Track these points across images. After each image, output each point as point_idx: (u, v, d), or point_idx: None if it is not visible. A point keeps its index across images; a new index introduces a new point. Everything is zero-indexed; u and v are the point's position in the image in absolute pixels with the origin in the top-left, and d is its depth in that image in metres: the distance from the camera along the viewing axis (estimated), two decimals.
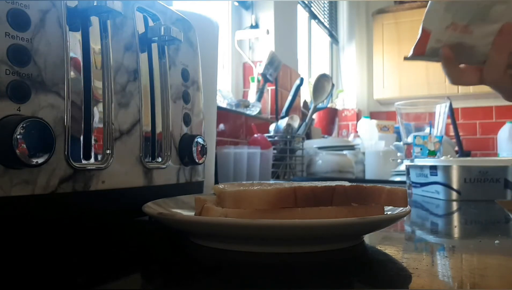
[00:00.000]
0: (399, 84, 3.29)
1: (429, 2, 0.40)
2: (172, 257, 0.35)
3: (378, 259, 0.35)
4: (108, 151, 0.41)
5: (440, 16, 0.39)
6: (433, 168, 0.87)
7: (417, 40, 0.41)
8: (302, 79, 1.75)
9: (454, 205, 0.78)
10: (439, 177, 0.85)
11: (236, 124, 1.52)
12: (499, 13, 0.37)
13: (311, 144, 1.79)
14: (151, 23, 0.50)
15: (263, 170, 1.21)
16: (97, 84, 0.41)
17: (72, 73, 0.38)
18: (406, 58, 0.43)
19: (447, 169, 0.83)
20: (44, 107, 0.35)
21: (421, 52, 0.41)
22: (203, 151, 0.54)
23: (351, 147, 1.88)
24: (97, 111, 0.41)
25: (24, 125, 0.31)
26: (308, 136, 2.01)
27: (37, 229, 0.36)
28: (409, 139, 1.02)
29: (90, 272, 0.30)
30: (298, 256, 0.34)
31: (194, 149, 0.52)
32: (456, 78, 0.40)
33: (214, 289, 0.27)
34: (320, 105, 1.64)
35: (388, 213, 0.40)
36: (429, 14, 0.40)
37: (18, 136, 0.31)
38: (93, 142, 0.40)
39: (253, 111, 1.64)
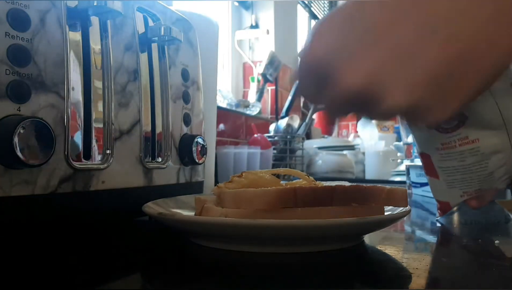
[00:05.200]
0: None
1: (428, 180, 0.41)
2: (172, 257, 0.35)
3: (378, 259, 0.35)
4: (108, 151, 0.41)
5: (448, 191, 0.39)
6: None
7: (438, 206, 0.41)
8: None
9: None
10: None
11: (236, 124, 1.52)
12: (501, 174, 0.38)
13: (311, 144, 1.79)
14: (151, 23, 0.50)
15: None
16: (97, 84, 0.41)
17: (72, 73, 0.38)
18: (437, 220, 0.44)
19: None
20: (44, 107, 0.35)
21: (448, 210, 0.42)
22: (203, 151, 0.54)
23: (351, 147, 1.88)
24: (97, 111, 0.41)
25: (24, 125, 0.31)
26: (308, 136, 2.01)
27: (37, 229, 0.36)
28: (409, 139, 1.02)
29: (90, 272, 0.30)
30: (298, 256, 0.34)
31: (194, 149, 0.52)
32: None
33: (214, 289, 0.27)
34: (320, 105, 1.64)
35: (388, 213, 0.40)
36: (436, 191, 0.41)
37: (18, 136, 0.31)
38: (93, 142, 0.40)
39: (253, 111, 1.64)
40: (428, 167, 0.39)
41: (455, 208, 0.42)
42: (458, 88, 0.24)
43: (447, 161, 0.38)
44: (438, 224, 0.52)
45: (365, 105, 0.28)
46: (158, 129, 0.49)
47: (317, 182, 0.42)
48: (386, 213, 0.39)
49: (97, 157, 0.41)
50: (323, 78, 0.28)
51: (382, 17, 0.25)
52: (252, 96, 1.75)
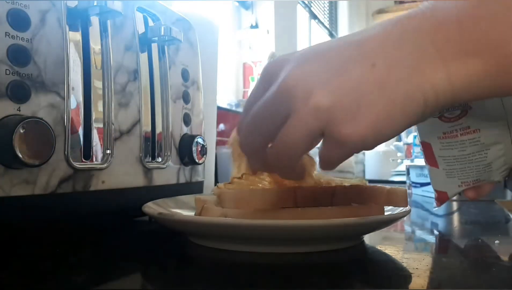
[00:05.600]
0: None
1: (428, 169, 0.41)
2: (172, 257, 0.35)
3: (378, 259, 0.35)
4: (108, 151, 0.41)
5: (446, 181, 0.40)
6: None
7: (436, 196, 0.42)
8: None
9: (454, 205, 0.78)
10: None
11: (236, 124, 1.52)
12: (500, 164, 0.38)
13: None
14: (151, 23, 0.50)
15: None
16: (97, 84, 0.41)
17: (72, 73, 0.38)
18: (436, 207, 0.44)
19: None
20: (44, 107, 0.35)
21: (445, 201, 0.42)
22: (203, 151, 0.54)
23: None
24: (97, 111, 0.41)
25: (24, 125, 0.31)
26: None
27: (37, 229, 0.36)
28: (409, 139, 1.02)
29: (90, 272, 0.30)
30: (298, 256, 0.34)
31: (194, 149, 0.52)
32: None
33: (214, 289, 0.27)
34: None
35: (388, 213, 0.40)
36: (435, 180, 0.41)
37: (18, 136, 0.31)
38: (93, 142, 0.40)
39: None
40: (428, 156, 0.40)
41: (455, 197, 0.42)
42: (369, 110, 0.25)
43: (448, 150, 0.38)
44: (438, 223, 0.52)
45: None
46: (158, 129, 0.49)
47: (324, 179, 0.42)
48: (386, 213, 0.39)
49: (97, 157, 0.41)
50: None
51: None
52: None
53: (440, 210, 0.73)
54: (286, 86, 0.26)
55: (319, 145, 0.29)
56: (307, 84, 0.26)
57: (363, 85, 0.25)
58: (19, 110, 0.33)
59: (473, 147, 0.37)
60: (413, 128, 1.00)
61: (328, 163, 0.28)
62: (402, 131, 0.26)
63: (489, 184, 0.40)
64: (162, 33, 0.48)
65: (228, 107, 1.53)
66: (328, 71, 0.26)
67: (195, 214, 0.40)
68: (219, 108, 1.00)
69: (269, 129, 0.28)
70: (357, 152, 0.27)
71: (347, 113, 0.25)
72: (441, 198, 0.41)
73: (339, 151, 0.27)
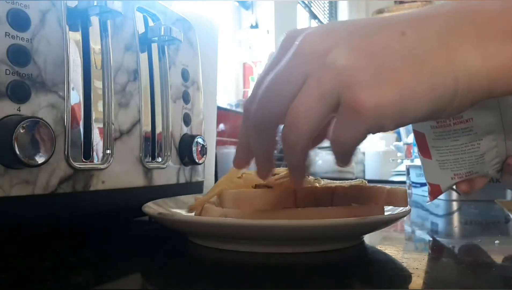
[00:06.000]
0: None
1: (421, 161, 0.41)
2: (172, 257, 0.35)
3: (378, 259, 0.35)
4: (108, 151, 0.41)
5: (439, 173, 0.39)
6: None
7: (429, 189, 0.41)
8: None
9: (454, 205, 0.78)
10: None
11: (236, 124, 1.52)
12: (493, 156, 0.38)
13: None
14: (151, 23, 0.50)
15: None
16: (97, 84, 0.41)
17: (72, 73, 0.38)
18: (429, 202, 0.44)
19: None
20: (44, 107, 0.35)
21: (439, 195, 0.42)
22: (203, 151, 0.54)
23: None
24: (97, 111, 0.41)
25: (24, 125, 0.31)
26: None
27: (37, 229, 0.36)
28: (409, 139, 1.02)
29: (90, 272, 0.30)
30: (298, 256, 0.34)
31: (194, 149, 0.52)
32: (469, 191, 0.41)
33: (214, 289, 0.27)
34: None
35: (388, 213, 0.40)
36: (428, 173, 0.40)
37: (18, 136, 0.31)
38: (93, 142, 0.40)
39: None
40: (422, 147, 0.40)
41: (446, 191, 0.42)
42: (392, 78, 0.22)
43: (441, 140, 0.38)
44: (438, 223, 0.52)
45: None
46: (158, 129, 0.49)
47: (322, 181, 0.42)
48: (386, 213, 0.39)
49: (97, 157, 0.41)
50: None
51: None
52: None
53: (440, 210, 0.73)
54: (303, 47, 0.24)
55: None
56: (326, 43, 0.23)
57: (388, 51, 0.22)
58: (19, 110, 0.33)
59: (466, 137, 0.37)
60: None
61: (341, 143, 0.25)
62: (426, 115, 0.23)
63: (483, 178, 0.40)
64: (162, 33, 0.48)
65: (228, 107, 1.53)
66: (352, 34, 0.23)
67: (195, 214, 0.40)
68: (219, 108, 1.00)
69: (285, 98, 0.24)
70: (374, 130, 0.24)
71: (367, 77, 0.22)
72: (434, 191, 0.41)
73: (353, 126, 0.23)
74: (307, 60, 0.23)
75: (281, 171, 0.41)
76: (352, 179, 0.42)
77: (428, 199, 0.42)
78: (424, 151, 0.40)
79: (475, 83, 0.22)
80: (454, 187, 0.40)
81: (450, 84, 0.22)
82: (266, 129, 0.27)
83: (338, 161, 0.26)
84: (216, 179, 0.87)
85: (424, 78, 0.22)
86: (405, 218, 0.47)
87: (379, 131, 0.24)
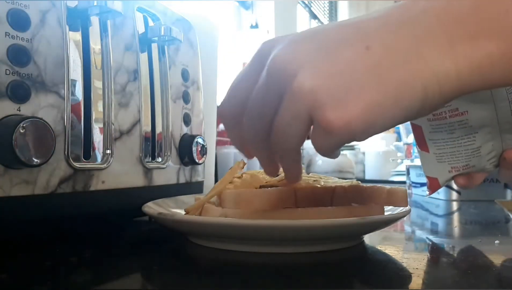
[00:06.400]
0: None
1: (419, 154, 0.41)
2: (172, 257, 0.35)
3: (378, 259, 0.35)
4: (108, 151, 0.41)
5: (437, 166, 0.40)
6: None
7: (427, 183, 0.42)
8: None
9: (454, 205, 0.78)
10: None
11: None
12: (489, 149, 0.38)
13: (311, 144, 1.79)
14: (151, 23, 0.50)
15: None
16: (97, 84, 0.41)
17: (72, 73, 0.38)
18: (428, 195, 0.44)
19: None
20: (44, 107, 0.35)
21: (437, 188, 0.42)
22: (203, 151, 0.54)
23: (351, 147, 1.88)
24: (97, 111, 0.41)
25: (24, 125, 0.31)
26: (308, 136, 2.01)
27: (37, 229, 0.36)
28: (409, 139, 1.02)
29: (90, 272, 0.30)
30: (298, 256, 0.34)
31: (194, 149, 0.52)
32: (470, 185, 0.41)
33: (214, 289, 0.27)
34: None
35: (388, 213, 0.40)
36: (426, 166, 0.41)
37: (18, 136, 0.31)
38: (93, 142, 0.40)
39: None
40: (419, 140, 0.40)
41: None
42: (358, 96, 0.22)
43: (437, 133, 0.38)
44: (438, 223, 0.52)
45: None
46: (158, 129, 0.49)
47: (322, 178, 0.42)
48: (386, 213, 0.39)
49: (97, 157, 0.41)
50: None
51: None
52: None
53: (440, 210, 0.73)
54: (274, 67, 0.24)
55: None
56: (293, 64, 0.24)
57: (353, 69, 0.23)
58: (19, 110, 0.33)
59: (461, 130, 0.37)
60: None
61: (320, 150, 0.26)
62: (398, 123, 0.24)
63: (481, 174, 0.40)
64: (162, 33, 0.48)
65: None
66: (318, 51, 0.24)
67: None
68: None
69: (266, 118, 0.26)
70: (347, 142, 0.25)
71: (333, 97, 0.23)
72: (433, 185, 0.41)
73: (326, 139, 0.24)
74: (278, 82, 0.24)
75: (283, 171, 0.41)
76: (349, 179, 0.42)
77: (426, 192, 0.43)
78: (421, 144, 0.40)
79: (445, 86, 0.22)
80: (452, 181, 0.41)
81: (418, 94, 0.22)
82: (260, 142, 0.28)
83: (322, 155, 0.28)
84: (216, 179, 0.87)
85: (390, 92, 0.22)
86: (405, 218, 0.47)
87: (353, 141, 0.25)
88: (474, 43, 0.22)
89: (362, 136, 0.24)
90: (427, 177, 0.41)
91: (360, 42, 0.23)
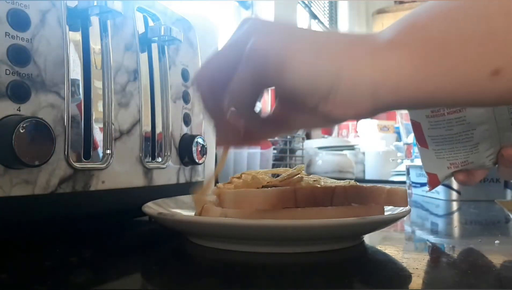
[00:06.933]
0: None
1: (419, 151, 0.42)
2: (172, 257, 0.35)
3: (378, 259, 0.35)
4: (108, 151, 0.41)
5: (436, 162, 0.41)
6: None
7: (427, 179, 0.42)
8: None
9: (454, 205, 0.78)
10: None
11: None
12: (487, 146, 0.39)
13: (311, 144, 1.79)
14: (151, 23, 0.50)
15: None
16: (97, 84, 0.41)
17: (72, 73, 0.38)
18: (428, 191, 0.45)
19: None
20: (44, 107, 0.35)
21: (437, 184, 0.43)
22: (203, 151, 0.54)
23: (351, 147, 1.88)
24: (97, 111, 0.41)
25: (24, 125, 0.31)
26: (308, 136, 2.01)
27: (37, 229, 0.36)
28: (409, 139, 1.02)
29: (90, 272, 0.30)
30: (298, 256, 0.34)
31: (194, 149, 0.52)
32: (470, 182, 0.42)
33: (214, 289, 0.27)
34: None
35: (388, 213, 0.40)
36: (425, 162, 0.42)
37: (18, 136, 0.31)
38: (93, 142, 0.40)
39: None
40: (419, 136, 0.41)
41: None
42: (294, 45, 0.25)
43: (436, 130, 0.39)
44: (438, 223, 0.52)
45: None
46: (158, 129, 0.49)
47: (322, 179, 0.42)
48: (386, 213, 0.39)
49: (97, 157, 0.41)
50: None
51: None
52: None
53: (440, 210, 0.73)
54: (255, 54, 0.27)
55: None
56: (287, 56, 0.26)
57: (298, 36, 0.26)
58: (19, 110, 0.33)
59: (459, 127, 0.38)
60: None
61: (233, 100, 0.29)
62: (302, 85, 0.25)
63: (481, 171, 0.40)
64: (162, 33, 0.48)
65: None
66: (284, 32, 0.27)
67: (195, 214, 0.40)
68: None
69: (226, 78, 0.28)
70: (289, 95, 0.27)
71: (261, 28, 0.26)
72: (433, 181, 0.42)
73: (241, 71, 0.27)
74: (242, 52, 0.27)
75: (283, 171, 0.41)
76: (351, 179, 0.42)
77: (427, 188, 0.43)
78: (421, 140, 0.41)
79: (359, 89, 0.24)
80: (453, 180, 0.41)
81: (330, 77, 0.24)
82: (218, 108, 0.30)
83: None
84: (216, 179, 0.87)
85: (320, 62, 0.25)
86: (405, 218, 0.47)
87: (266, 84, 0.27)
88: (390, 53, 0.24)
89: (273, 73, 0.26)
90: (427, 173, 0.42)
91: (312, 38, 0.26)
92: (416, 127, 0.40)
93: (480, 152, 0.38)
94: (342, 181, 0.42)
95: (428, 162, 0.41)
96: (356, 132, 2.59)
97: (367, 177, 1.68)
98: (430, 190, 0.43)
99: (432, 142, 0.40)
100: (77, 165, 0.38)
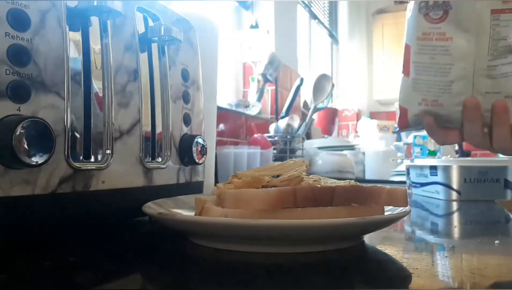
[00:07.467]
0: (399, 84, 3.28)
1: (401, 81, 0.44)
2: (172, 257, 0.35)
3: (378, 259, 0.35)
4: (108, 151, 0.41)
5: (410, 94, 0.43)
6: (433, 168, 0.87)
7: (398, 116, 0.44)
8: (302, 79, 1.75)
9: (454, 205, 0.78)
10: (439, 177, 0.85)
11: (236, 124, 1.52)
12: (459, 89, 0.41)
13: (311, 144, 1.79)
14: (151, 23, 0.50)
15: None
16: (97, 84, 0.41)
17: (72, 73, 0.38)
18: (395, 132, 0.48)
19: (447, 169, 0.83)
20: (44, 107, 0.35)
21: (405, 126, 0.46)
22: (203, 151, 0.54)
23: (351, 147, 1.88)
24: (97, 111, 0.41)
25: (24, 125, 0.31)
26: (308, 136, 2.01)
27: (37, 229, 0.36)
28: (409, 139, 1.02)
29: (90, 272, 0.30)
30: (298, 256, 0.34)
31: (194, 149, 0.52)
32: (440, 141, 0.44)
33: (214, 289, 0.27)
34: (320, 105, 1.64)
35: (388, 213, 0.40)
36: (402, 94, 0.44)
37: (18, 136, 0.31)
38: (93, 142, 0.40)
39: (253, 111, 1.64)
40: (406, 62, 0.43)
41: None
42: None
43: (421, 55, 0.41)
44: (438, 223, 0.52)
45: None
46: (158, 129, 0.49)
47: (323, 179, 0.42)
48: (386, 213, 0.39)
49: (97, 157, 0.41)
50: None
51: None
52: (252, 96, 1.75)
53: (440, 210, 0.73)
54: None
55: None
56: None
57: None
58: (19, 110, 0.33)
59: (441, 57, 0.40)
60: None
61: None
62: None
63: (452, 134, 0.42)
64: (162, 33, 0.48)
65: (228, 107, 1.53)
66: None
67: (195, 214, 0.40)
68: (219, 108, 1.00)
69: None
70: None
71: None
72: (403, 118, 0.44)
73: None
74: None
75: (284, 170, 0.41)
76: (351, 179, 0.42)
77: (396, 126, 0.45)
78: (406, 67, 0.43)
79: None
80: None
81: None
82: None
83: None
84: (216, 179, 0.87)
85: None
86: (405, 218, 0.47)
87: None
88: None
89: None
90: (400, 107, 0.44)
91: None
92: (407, 51, 0.42)
93: (452, 93, 0.40)
94: (342, 181, 0.42)
95: (404, 95, 0.43)
96: (356, 132, 2.59)
97: (367, 177, 1.68)
98: (398, 130, 0.45)
99: (414, 70, 0.42)
100: (77, 165, 0.38)
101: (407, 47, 0.42)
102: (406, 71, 0.43)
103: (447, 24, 0.40)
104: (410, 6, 0.43)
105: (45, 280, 0.28)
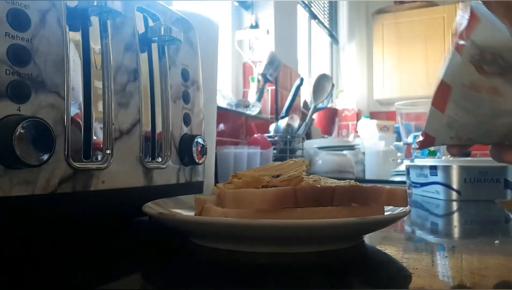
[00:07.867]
0: (399, 84, 3.29)
1: (430, 111, 0.40)
2: (172, 257, 0.35)
3: (378, 259, 0.35)
4: (108, 151, 0.41)
5: (443, 129, 0.39)
6: (433, 168, 0.87)
7: (421, 139, 0.41)
8: (302, 79, 1.75)
9: (454, 205, 0.78)
10: (439, 177, 0.85)
11: (236, 124, 1.52)
12: (500, 134, 0.38)
13: (311, 144, 1.79)
14: (151, 23, 0.50)
15: None
16: (97, 84, 0.41)
17: (72, 73, 0.38)
18: (414, 148, 0.45)
19: (447, 169, 0.83)
20: (44, 107, 0.35)
21: (428, 147, 0.42)
22: (203, 151, 0.54)
23: (351, 147, 1.88)
24: (97, 111, 0.41)
25: (24, 125, 0.31)
26: (308, 136, 2.01)
27: (37, 229, 0.36)
28: (409, 139, 1.02)
29: (90, 272, 0.30)
30: (298, 256, 0.34)
31: (194, 149, 0.52)
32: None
33: (214, 289, 0.27)
34: (320, 105, 1.64)
35: (388, 213, 0.40)
36: (431, 124, 0.40)
37: (18, 136, 0.31)
38: (93, 142, 0.40)
39: (253, 111, 1.64)
40: (440, 98, 0.39)
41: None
42: None
43: (465, 101, 0.37)
44: (438, 223, 0.52)
45: None
46: (158, 129, 0.49)
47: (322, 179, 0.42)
48: (386, 213, 0.39)
49: (97, 157, 0.41)
50: None
51: None
52: (252, 96, 1.75)
53: (440, 210, 0.73)
54: None
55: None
56: None
57: None
58: (19, 110, 0.33)
59: (489, 109, 0.36)
60: (413, 128, 1.00)
61: None
62: None
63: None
64: (162, 33, 0.48)
65: (228, 107, 1.53)
66: None
67: (195, 214, 0.40)
68: (219, 108, 1.00)
69: None
70: None
71: None
72: (426, 143, 0.41)
73: None
74: None
75: (284, 170, 0.41)
76: (351, 179, 0.42)
77: (416, 145, 0.43)
78: (439, 103, 0.39)
79: None
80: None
81: None
82: None
83: None
84: (216, 179, 0.87)
85: None
86: (405, 218, 0.47)
87: None
88: None
89: None
90: (426, 133, 0.41)
91: None
92: (444, 90, 0.38)
93: (490, 137, 0.38)
94: (342, 181, 0.42)
95: (434, 125, 0.40)
96: (356, 132, 2.59)
97: (367, 177, 1.68)
98: (419, 149, 0.43)
99: (452, 110, 0.38)
100: (77, 165, 0.38)
101: (446, 86, 0.38)
102: (440, 106, 0.39)
103: (501, 78, 0.35)
104: (453, 42, 0.37)
105: (45, 280, 0.28)
